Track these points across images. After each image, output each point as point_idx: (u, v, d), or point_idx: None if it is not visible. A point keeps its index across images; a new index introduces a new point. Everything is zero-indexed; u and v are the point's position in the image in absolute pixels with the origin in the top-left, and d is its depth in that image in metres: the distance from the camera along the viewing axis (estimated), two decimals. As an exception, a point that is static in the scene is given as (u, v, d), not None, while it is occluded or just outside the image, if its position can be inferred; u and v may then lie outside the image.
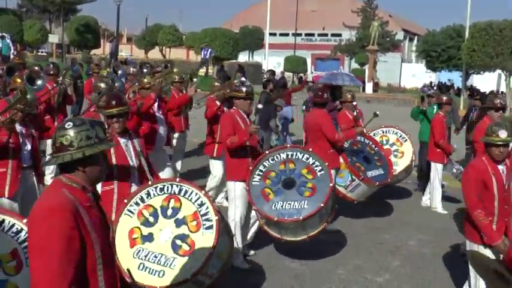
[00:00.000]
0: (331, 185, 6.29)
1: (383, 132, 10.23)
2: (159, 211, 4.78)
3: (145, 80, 7.98)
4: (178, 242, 4.59)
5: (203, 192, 4.86)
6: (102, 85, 7.41)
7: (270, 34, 46.21)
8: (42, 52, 50.33)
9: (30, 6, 62.66)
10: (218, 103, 8.80)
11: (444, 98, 10.00)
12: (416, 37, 74.80)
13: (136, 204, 4.83)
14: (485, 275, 4.17)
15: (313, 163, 6.47)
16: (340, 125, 8.90)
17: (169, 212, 4.76)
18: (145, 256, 4.55)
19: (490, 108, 7.76)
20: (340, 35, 69.52)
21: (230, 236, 5.10)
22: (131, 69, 10.54)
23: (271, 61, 48.87)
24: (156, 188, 4.91)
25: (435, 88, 30.14)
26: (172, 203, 4.80)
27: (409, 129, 10.68)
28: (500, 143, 5.07)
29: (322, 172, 6.39)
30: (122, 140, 5.30)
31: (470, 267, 5.05)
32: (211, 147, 8.83)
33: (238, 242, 6.34)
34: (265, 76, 19.21)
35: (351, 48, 60.94)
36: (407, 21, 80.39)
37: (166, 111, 8.13)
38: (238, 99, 6.61)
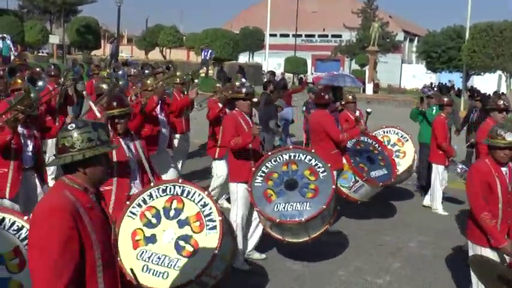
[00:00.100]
0: (333, 186, 6.29)
1: (384, 132, 10.22)
2: (161, 212, 4.77)
3: (149, 81, 7.98)
4: (182, 243, 4.58)
5: (206, 192, 4.85)
6: (104, 86, 7.41)
7: (270, 35, 46.11)
8: (42, 53, 50.23)
9: (31, 7, 62.62)
10: (220, 105, 8.80)
11: (445, 99, 9.97)
12: (416, 38, 74.77)
13: (139, 205, 4.82)
14: (488, 281, 4.12)
15: (316, 164, 6.48)
16: (342, 126, 8.91)
17: (172, 213, 4.76)
18: (149, 258, 4.54)
19: (493, 109, 7.71)
20: (340, 36, 69.48)
21: (233, 237, 5.10)
22: (132, 70, 10.52)
23: (272, 62, 48.77)
24: (158, 189, 4.90)
25: (435, 89, 30.13)
26: (175, 204, 4.79)
27: (410, 130, 10.67)
28: (505, 145, 5.01)
29: (325, 174, 6.39)
30: (123, 141, 5.31)
31: (472, 274, 4.99)
32: (214, 149, 8.83)
33: (239, 243, 6.34)
34: (265, 77, 19.23)
35: (351, 49, 60.90)
36: (407, 22, 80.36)
37: (168, 113, 8.14)
38: (239, 101, 6.64)
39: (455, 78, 51.10)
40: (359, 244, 7.79)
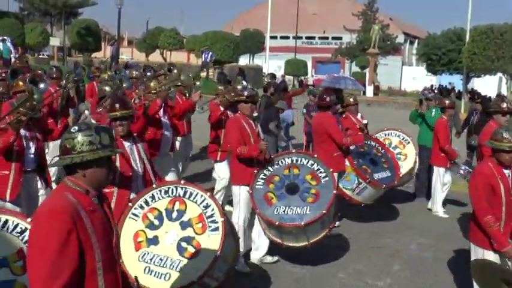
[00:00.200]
0: (334, 192, 6.30)
1: (385, 135, 10.21)
2: (164, 214, 4.77)
3: (152, 84, 7.97)
4: (184, 244, 4.57)
5: (208, 194, 4.85)
6: (107, 88, 7.41)
7: (271, 37, 46.15)
8: (43, 55, 50.25)
9: (31, 9, 62.61)
10: (222, 108, 8.78)
11: (447, 101, 9.95)
12: (417, 40, 74.85)
13: (141, 207, 4.83)
14: (491, 286, 4.09)
15: (318, 169, 6.49)
16: (345, 129, 8.89)
17: (174, 214, 4.76)
18: (151, 259, 4.54)
19: (496, 112, 7.70)
20: (340, 38, 69.51)
21: (236, 239, 5.09)
22: (134, 72, 10.48)
23: (272, 64, 48.83)
24: (160, 191, 4.91)
25: (436, 91, 30.15)
26: (177, 206, 4.80)
27: (410, 132, 10.67)
28: (510, 148, 4.99)
29: (327, 179, 6.40)
30: (126, 144, 5.32)
31: (475, 284, 4.96)
32: (215, 152, 8.82)
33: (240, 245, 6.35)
34: (265, 79, 19.24)
35: (352, 51, 60.96)
36: (408, 25, 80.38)
37: (171, 116, 8.14)
38: (241, 103, 6.66)
39: (455, 81, 51.10)
40: (359, 247, 7.79)
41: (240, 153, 6.38)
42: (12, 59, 16.71)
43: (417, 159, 9.92)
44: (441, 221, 9.43)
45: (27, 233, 3.90)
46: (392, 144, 9.97)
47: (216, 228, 4.61)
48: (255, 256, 6.76)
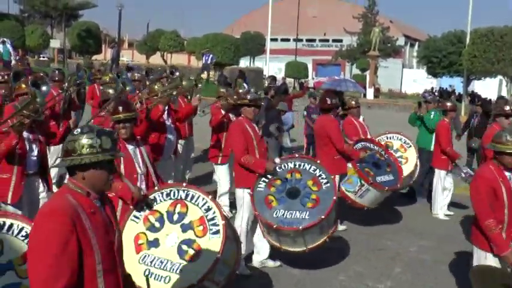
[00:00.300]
0: (334, 198, 6.29)
1: (387, 138, 10.21)
2: (165, 216, 4.77)
3: (156, 87, 7.95)
4: (185, 247, 4.57)
5: (210, 197, 4.84)
6: (111, 91, 7.40)
7: (271, 39, 46.14)
8: (43, 57, 50.39)
9: (32, 11, 62.66)
10: (223, 112, 8.71)
11: (448, 104, 9.95)
12: (417, 43, 74.86)
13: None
14: None
15: (320, 175, 6.48)
16: (347, 132, 8.89)
17: (176, 217, 4.75)
18: (151, 262, 4.54)
19: (499, 115, 7.69)
20: (341, 40, 69.54)
21: (237, 243, 5.07)
22: (136, 75, 10.41)
23: (272, 67, 48.86)
24: (162, 193, 4.91)
25: (436, 94, 30.14)
26: (178, 208, 4.79)
27: (411, 135, 10.67)
28: None
29: (328, 185, 6.40)
30: (129, 147, 5.33)
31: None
32: (216, 155, 8.81)
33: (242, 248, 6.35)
34: (266, 82, 19.26)
35: (352, 53, 60.97)
36: (408, 27, 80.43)
37: (175, 120, 8.14)
38: (244, 107, 6.67)
39: (456, 83, 51.18)
40: (360, 249, 7.79)
41: (244, 162, 6.39)
42: (13, 61, 16.70)
43: (418, 163, 9.89)
44: (442, 223, 9.43)
45: None
46: (393, 148, 9.96)
47: (217, 232, 4.59)
48: (256, 259, 6.76)
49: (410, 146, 10.01)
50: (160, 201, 4.87)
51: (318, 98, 13.96)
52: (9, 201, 5.62)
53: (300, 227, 6.09)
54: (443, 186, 9.64)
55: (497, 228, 4.97)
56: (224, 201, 8.59)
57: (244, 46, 49.85)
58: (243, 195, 6.55)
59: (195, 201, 4.81)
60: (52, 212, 2.78)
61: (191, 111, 8.56)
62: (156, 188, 5.10)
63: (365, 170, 8.36)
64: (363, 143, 8.79)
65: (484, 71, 34.09)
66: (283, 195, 6.36)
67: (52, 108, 8.34)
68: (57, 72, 10.11)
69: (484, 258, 5.13)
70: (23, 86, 6.38)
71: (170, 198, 4.86)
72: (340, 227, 8.01)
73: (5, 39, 17.51)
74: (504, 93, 38.31)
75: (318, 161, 6.76)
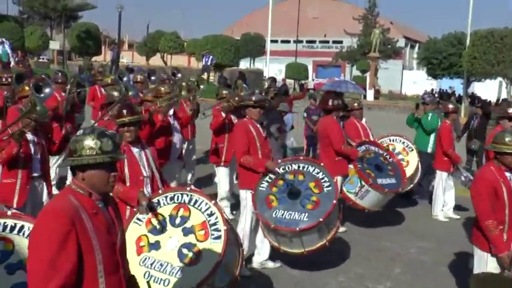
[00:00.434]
0: (334, 201, 6.31)
1: (390, 140, 10.20)
2: (167, 219, 4.78)
3: (163, 89, 7.92)
4: (185, 250, 4.57)
5: (213, 202, 4.84)
6: (116, 93, 7.37)
7: (271, 41, 46.07)
8: (43, 59, 50.31)
9: (31, 13, 62.58)
10: (224, 114, 8.68)
11: (450, 106, 9.97)
12: (417, 44, 74.82)
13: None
14: None
15: (322, 178, 6.51)
16: (349, 134, 8.88)
17: (178, 220, 4.76)
18: (151, 264, 4.55)
19: (503, 117, 7.71)
20: (341, 42, 69.49)
21: (240, 249, 5.02)
22: (138, 77, 10.35)
23: (273, 68, 48.85)
24: (166, 197, 4.92)
25: (436, 95, 30.13)
26: (181, 212, 4.80)
27: (410, 136, 10.66)
28: None
29: (329, 188, 6.42)
30: (134, 150, 5.34)
31: None
32: (218, 157, 8.82)
33: (244, 248, 6.35)
34: (266, 83, 19.25)
35: (352, 55, 60.92)
36: (408, 29, 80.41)
37: (181, 122, 8.15)
38: (249, 108, 6.68)
39: (456, 85, 51.17)
40: (360, 250, 7.81)
41: (243, 163, 6.42)
42: (12, 63, 16.60)
43: (419, 167, 9.87)
44: (442, 225, 9.44)
45: None
46: (395, 151, 9.95)
47: (219, 237, 4.58)
48: (256, 260, 6.78)
49: (412, 150, 10.00)
50: (164, 204, 4.87)
51: (318, 99, 13.99)
52: (14, 206, 5.59)
53: (297, 228, 6.11)
54: (445, 188, 9.63)
55: (497, 229, 4.98)
56: (224, 203, 8.59)
57: (244, 47, 49.84)
58: (246, 195, 6.58)
59: (198, 205, 4.80)
60: (52, 212, 2.83)
61: (189, 120, 8.60)
62: (160, 191, 5.10)
63: (366, 171, 8.35)
64: (366, 146, 8.79)
65: (484, 73, 34.11)
66: (284, 196, 6.39)
67: (55, 110, 8.34)
68: (60, 74, 10.09)
69: (484, 259, 5.15)
70: (27, 88, 6.33)
71: (174, 202, 4.87)
72: (341, 228, 8.01)
73: (3, 39, 17.37)
74: (504, 95, 38.37)
75: (322, 164, 6.78)
